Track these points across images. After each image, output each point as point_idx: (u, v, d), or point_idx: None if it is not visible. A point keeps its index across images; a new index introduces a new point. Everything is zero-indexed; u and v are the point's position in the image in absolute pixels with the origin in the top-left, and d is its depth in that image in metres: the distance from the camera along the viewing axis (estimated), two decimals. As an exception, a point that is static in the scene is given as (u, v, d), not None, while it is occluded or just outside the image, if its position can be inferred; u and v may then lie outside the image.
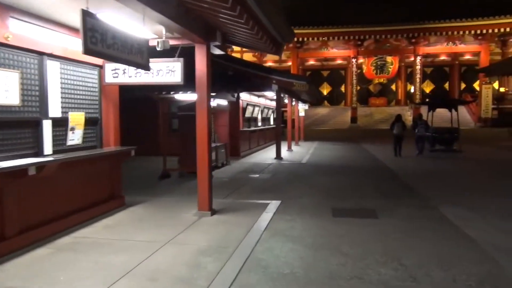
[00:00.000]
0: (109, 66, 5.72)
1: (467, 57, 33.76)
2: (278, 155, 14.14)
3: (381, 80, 35.08)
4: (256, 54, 34.48)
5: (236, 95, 13.64)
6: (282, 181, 9.28)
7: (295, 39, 30.64)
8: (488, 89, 29.38)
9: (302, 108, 22.72)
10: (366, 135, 27.03)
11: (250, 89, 14.10)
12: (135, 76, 5.64)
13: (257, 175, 10.23)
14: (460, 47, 31.30)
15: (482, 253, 4.20)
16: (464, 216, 5.81)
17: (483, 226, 5.29)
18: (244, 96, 15.14)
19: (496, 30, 27.86)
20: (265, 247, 4.45)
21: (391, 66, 33.04)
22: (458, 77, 35.75)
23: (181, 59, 5.56)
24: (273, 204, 6.61)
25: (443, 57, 34.83)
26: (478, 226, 5.27)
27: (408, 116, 29.54)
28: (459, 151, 15.80)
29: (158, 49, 5.26)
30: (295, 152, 16.99)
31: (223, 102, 12.11)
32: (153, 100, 13.43)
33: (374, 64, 33.25)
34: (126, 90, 11.63)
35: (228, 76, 13.75)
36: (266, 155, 15.31)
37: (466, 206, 6.50)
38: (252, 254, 4.20)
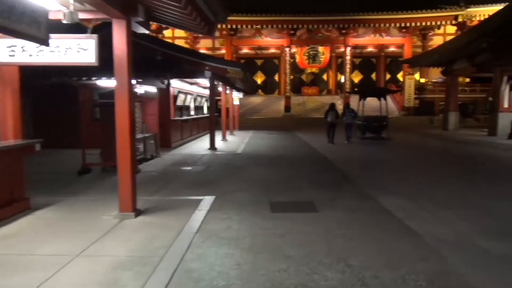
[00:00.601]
0: (3, 42, 4.69)
1: (392, 49, 35.49)
2: (212, 146, 13.52)
3: (314, 69, 35.78)
4: (189, 40, 33.24)
5: (166, 82, 12.71)
6: (216, 174, 8.72)
7: (229, 26, 30.04)
8: (411, 80, 31.23)
9: (236, 97, 22.24)
10: (300, 124, 27.33)
11: (181, 75, 13.24)
12: (37, 55, 4.69)
13: (190, 168, 9.56)
14: (386, 39, 32.78)
15: (427, 248, 4.01)
16: (403, 206, 5.71)
17: (422, 216, 5.20)
18: (176, 83, 14.23)
19: (418, 24, 29.55)
20: (197, 253, 3.88)
21: (323, 56, 33.78)
22: (384, 68, 37.56)
23: (95, 35, 4.72)
24: (207, 200, 6.03)
25: (370, 49, 36.27)
26: (418, 216, 5.16)
27: (339, 105, 30.36)
28: (388, 139, 16.40)
29: (64, 21, 4.38)
30: (230, 142, 16.49)
31: (152, 89, 11.17)
32: (73, 86, 12.08)
33: (307, 54, 33.76)
34: (42, 76, 10.27)
35: (158, 61, 12.78)
36: (200, 146, 14.61)
37: (402, 194, 6.45)
38: (182, 264, 3.61)
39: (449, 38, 30.84)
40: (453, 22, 29.73)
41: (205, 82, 14.80)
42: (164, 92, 12.76)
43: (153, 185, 7.27)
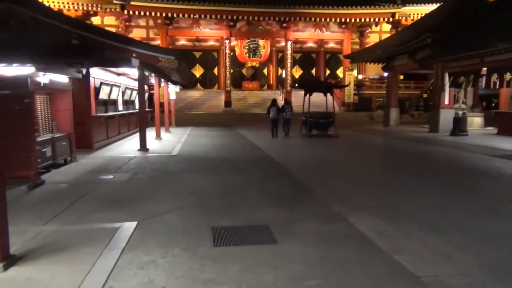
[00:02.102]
0: None
1: (331, 45, 35.40)
2: (143, 146, 11.65)
3: (254, 63, 34.59)
4: (120, 29, 30.30)
5: (84, 70, 10.61)
6: (143, 185, 7.01)
7: (164, 14, 27.79)
8: (350, 76, 31.18)
9: (173, 91, 20.29)
10: (241, 120, 26.02)
11: (103, 63, 11.18)
12: None
13: (111, 176, 7.72)
14: (326, 35, 32.51)
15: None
16: (382, 230, 4.47)
17: (411, 247, 3.95)
18: (98, 73, 12.15)
19: (357, 20, 29.56)
20: None
21: (263, 50, 32.73)
22: (324, 64, 37.40)
23: None
24: (125, 230, 4.38)
25: (310, 44, 35.90)
26: (407, 248, 3.92)
27: (280, 100, 29.53)
28: (335, 136, 15.60)
29: None
30: (165, 140, 14.65)
31: (63, 79, 9.06)
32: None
33: (247, 47, 32.50)
34: None
35: (73, 46, 10.62)
36: (129, 146, 12.64)
37: (374, 211, 5.26)
38: None
39: (384, 36, 31.34)
40: (390, 19, 30.11)
41: (135, 72, 12.82)
42: (81, 83, 10.64)
43: (54, 205, 5.43)
